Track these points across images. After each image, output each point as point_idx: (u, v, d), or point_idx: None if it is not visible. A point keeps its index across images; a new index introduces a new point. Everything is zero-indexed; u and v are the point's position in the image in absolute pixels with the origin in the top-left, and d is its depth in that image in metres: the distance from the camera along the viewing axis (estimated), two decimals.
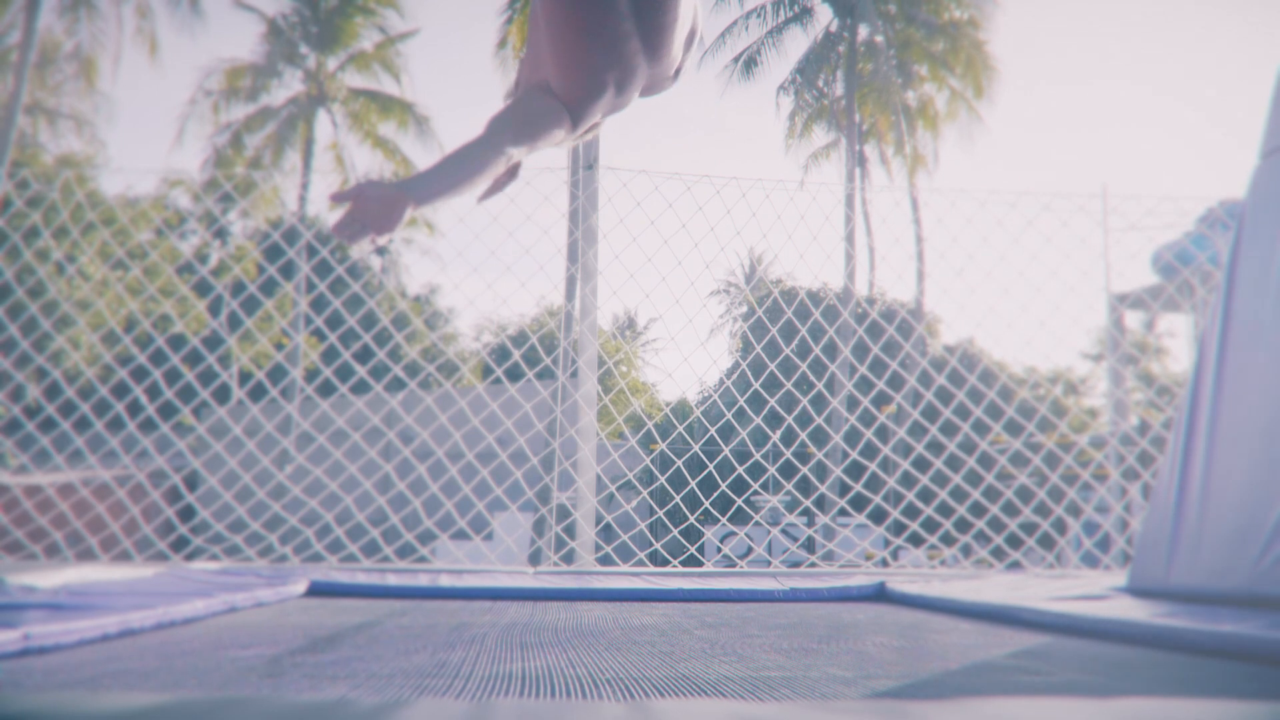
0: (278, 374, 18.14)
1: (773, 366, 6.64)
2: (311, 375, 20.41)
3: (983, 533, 6.86)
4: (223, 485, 6.82)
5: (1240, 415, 3.41)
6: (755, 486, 6.73)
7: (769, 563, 6.87)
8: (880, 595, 4.38)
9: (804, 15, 18.91)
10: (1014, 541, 7.19)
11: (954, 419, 6.87)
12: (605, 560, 6.86)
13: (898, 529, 8.84)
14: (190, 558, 6.99)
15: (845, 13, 18.80)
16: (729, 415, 6.55)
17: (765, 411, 6.73)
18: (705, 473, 6.39)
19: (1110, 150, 51.30)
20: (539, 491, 7.00)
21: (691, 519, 7.36)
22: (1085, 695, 1.73)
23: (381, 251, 25.66)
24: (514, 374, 18.53)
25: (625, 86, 1.98)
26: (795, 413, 6.87)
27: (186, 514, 12.21)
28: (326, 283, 7.10)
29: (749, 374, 7.17)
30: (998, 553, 7.41)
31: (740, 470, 6.46)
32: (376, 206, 1.68)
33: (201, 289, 19.39)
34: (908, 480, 11.80)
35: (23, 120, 17.95)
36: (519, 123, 1.94)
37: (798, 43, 18.91)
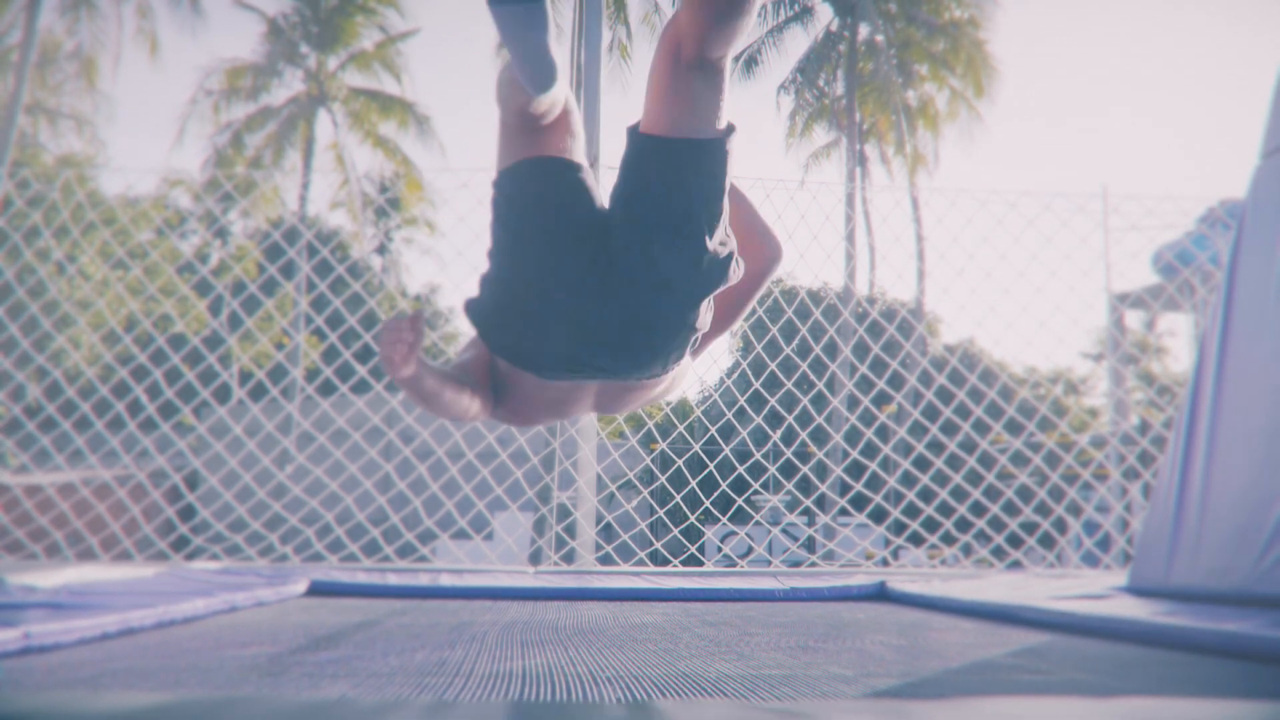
0: (278, 374, 18.14)
1: (773, 366, 6.64)
2: (312, 375, 20.41)
3: (983, 532, 6.85)
4: (223, 485, 6.82)
5: (1240, 415, 3.40)
6: (755, 486, 6.73)
7: (769, 562, 6.87)
8: (881, 594, 4.38)
9: (804, 14, 18.90)
10: (1014, 541, 7.18)
11: (954, 418, 6.87)
12: (605, 560, 6.86)
13: (898, 528, 8.83)
14: (191, 557, 6.99)
15: (845, 12, 18.79)
16: (729, 415, 6.54)
17: (765, 411, 6.73)
18: (705, 472, 6.39)
19: (1110, 150, 51.29)
20: (539, 491, 7.00)
21: (692, 519, 7.36)
22: (1086, 695, 1.73)
23: (382, 251, 25.67)
24: None
25: None
26: (795, 412, 6.87)
27: (187, 514, 12.21)
28: (327, 282, 7.10)
29: (749, 373, 7.17)
30: (998, 552, 7.41)
31: (740, 470, 6.45)
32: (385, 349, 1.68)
33: (202, 289, 19.37)
34: (908, 480, 11.79)
35: (23, 120, 17.95)
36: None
37: (798, 42, 18.90)
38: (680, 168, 1.70)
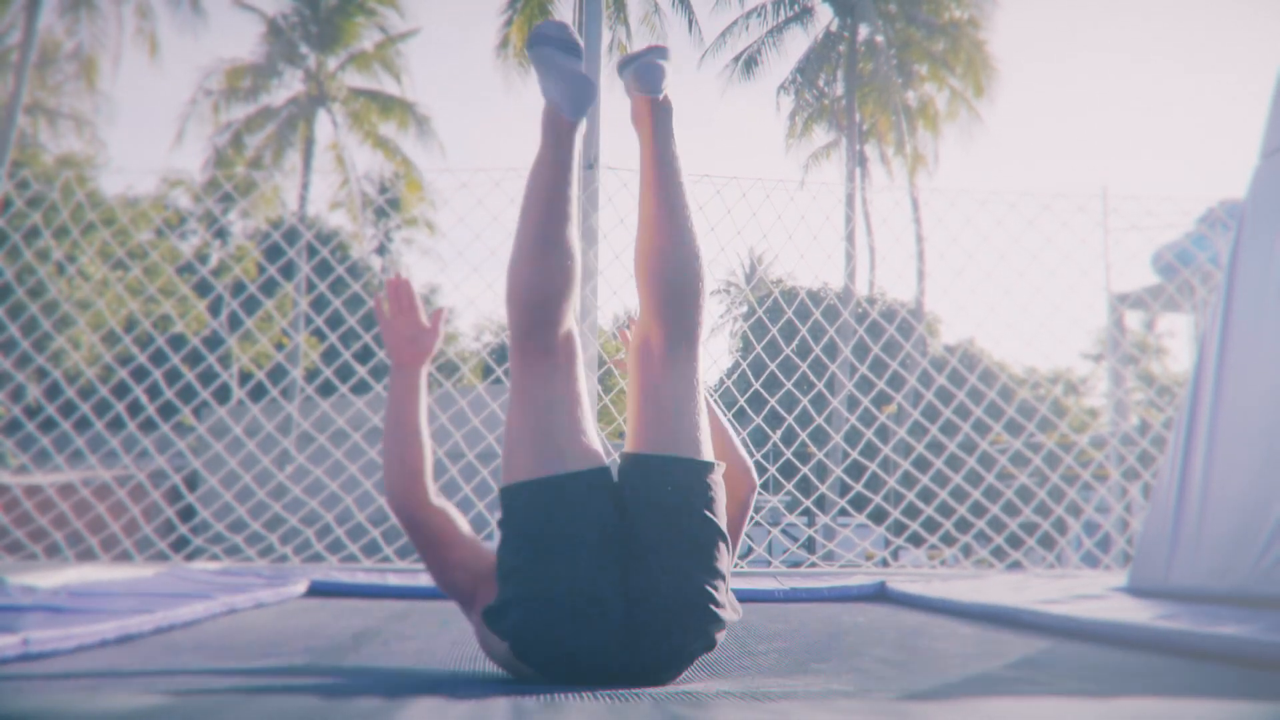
0: (278, 374, 18.13)
1: (773, 366, 6.63)
2: (312, 375, 20.39)
3: (983, 533, 6.85)
4: (223, 485, 6.81)
5: (1240, 415, 3.40)
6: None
7: (769, 562, 6.86)
8: (880, 595, 4.38)
9: (804, 15, 18.91)
10: (1014, 541, 7.18)
11: (954, 419, 6.86)
12: None
13: (898, 529, 8.83)
14: (190, 558, 6.99)
15: (845, 12, 18.79)
16: (729, 415, 6.52)
17: (765, 411, 6.73)
18: None
19: (1110, 150, 51.28)
20: None
21: None
22: (1086, 696, 1.73)
23: (382, 251, 25.66)
24: None
25: None
26: (795, 413, 6.87)
27: (187, 514, 12.20)
28: (326, 283, 7.10)
29: (749, 374, 7.16)
30: (998, 553, 7.40)
31: None
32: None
33: (201, 289, 19.35)
34: (908, 480, 11.78)
35: (23, 120, 17.94)
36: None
37: (798, 42, 18.92)
38: (662, 487, 1.65)
